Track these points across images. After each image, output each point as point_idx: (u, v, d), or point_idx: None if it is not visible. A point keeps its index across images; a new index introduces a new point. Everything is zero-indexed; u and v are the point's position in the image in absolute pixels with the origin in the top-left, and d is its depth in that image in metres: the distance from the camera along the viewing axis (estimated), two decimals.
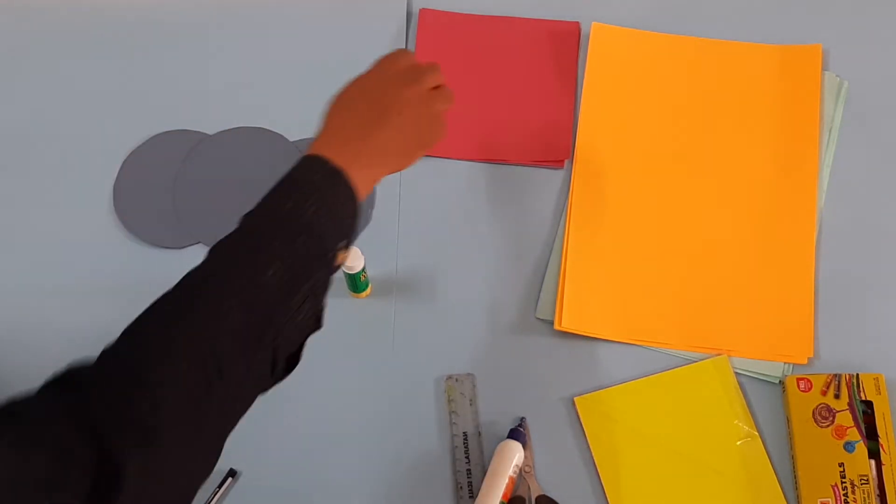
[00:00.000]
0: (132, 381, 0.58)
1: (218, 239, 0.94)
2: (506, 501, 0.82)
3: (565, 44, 1.01)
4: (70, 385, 0.58)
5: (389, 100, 0.72)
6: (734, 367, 0.88)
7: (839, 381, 0.85)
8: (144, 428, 0.57)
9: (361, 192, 0.69)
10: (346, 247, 0.69)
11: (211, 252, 0.65)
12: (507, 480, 0.82)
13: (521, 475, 0.85)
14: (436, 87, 0.75)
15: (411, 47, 1.01)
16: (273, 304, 0.63)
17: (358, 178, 0.68)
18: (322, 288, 0.67)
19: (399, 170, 0.74)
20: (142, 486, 0.56)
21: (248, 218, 0.67)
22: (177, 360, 0.60)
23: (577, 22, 1.02)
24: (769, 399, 0.87)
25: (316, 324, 0.68)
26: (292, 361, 0.68)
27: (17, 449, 0.53)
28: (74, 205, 0.96)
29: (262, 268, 0.63)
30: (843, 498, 0.81)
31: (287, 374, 0.68)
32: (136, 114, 1.00)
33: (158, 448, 0.57)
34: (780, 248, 0.92)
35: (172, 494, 0.60)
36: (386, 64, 0.75)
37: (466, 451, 0.86)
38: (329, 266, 0.68)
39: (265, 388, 0.67)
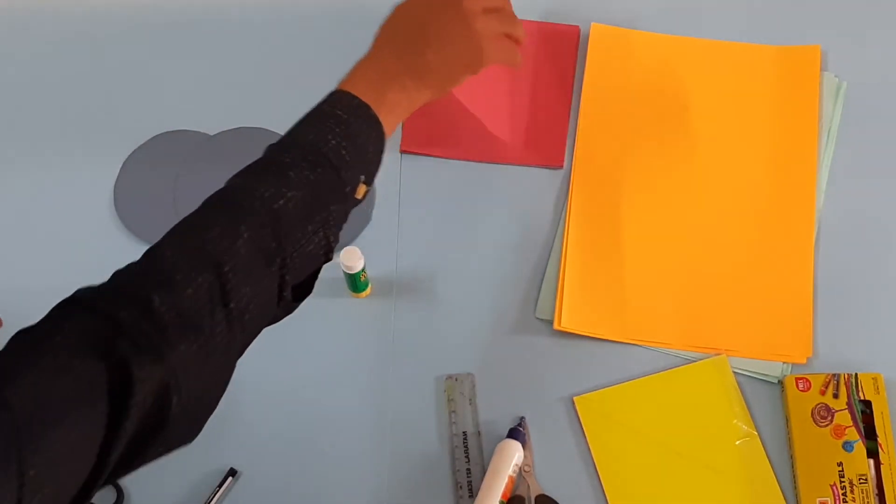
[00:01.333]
0: (135, 302, 0.58)
1: None
2: (505, 501, 0.83)
3: (565, 46, 1.02)
4: (76, 302, 0.59)
5: (434, 16, 0.73)
6: (733, 367, 0.88)
7: (838, 381, 0.85)
8: (151, 347, 0.57)
9: (395, 119, 0.71)
10: (367, 182, 0.70)
11: (234, 177, 0.67)
12: (506, 480, 0.82)
13: (521, 474, 0.85)
14: (495, 10, 0.76)
15: None
16: (285, 231, 0.64)
17: (393, 102, 0.70)
18: (336, 220, 0.68)
19: (442, 93, 0.75)
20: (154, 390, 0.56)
21: (272, 147, 0.68)
22: (183, 282, 0.60)
23: (577, 26, 1.02)
24: (768, 399, 0.87)
25: (325, 256, 0.68)
26: (301, 293, 0.68)
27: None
28: (75, 205, 0.96)
29: (278, 195, 0.64)
30: (841, 497, 0.81)
31: (295, 306, 0.68)
32: (136, 114, 1.00)
33: (166, 359, 0.57)
34: (779, 247, 0.92)
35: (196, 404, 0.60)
36: None
37: (466, 451, 0.86)
38: (347, 199, 0.68)
39: (272, 319, 0.67)
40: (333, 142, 0.67)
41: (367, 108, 0.69)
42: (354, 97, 0.70)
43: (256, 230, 0.63)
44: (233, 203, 0.65)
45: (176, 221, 0.94)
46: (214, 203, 0.66)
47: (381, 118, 0.71)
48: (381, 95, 0.70)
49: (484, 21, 0.76)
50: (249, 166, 0.67)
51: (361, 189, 0.70)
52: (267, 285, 0.64)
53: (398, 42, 0.73)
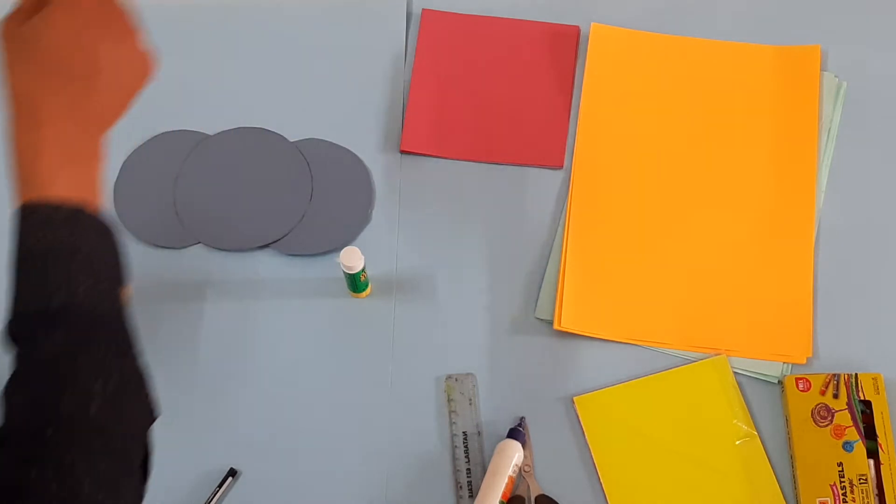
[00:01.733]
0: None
1: (217, 238, 0.95)
2: (505, 501, 0.83)
3: (565, 46, 1.02)
4: None
5: (94, 47, 0.56)
6: (733, 367, 0.88)
7: (838, 381, 0.85)
8: None
9: (98, 184, 0.56)
10: (125, 283, 0.58)
11: (16, 398, 0.52)
12: (506, 480, 0.82)
13: (521, 474, 0.85)
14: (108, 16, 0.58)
15: (412, 47, 1.01)
16: (114, 423, 0.54)
17: (89, 174, 0.55)
18: (135, 374, 0.56)
19: (112, 125, 0.60)
20: None
21: (27, 332, 0.53)
22: None
23: (577, 26, 1.02)
24: (768, 399, 0.87)
25: (151, 416, 0.58)
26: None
27: None
28: None
29: (86, 400, 0.52)
30: (841, 497, 0.82)
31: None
32: (136, 114, 0.99)
33: None
34: (779, 247, 0.92)
35: None
36: (55, 12, 0.57)
37: (466, 451, 0.86)
38: (130, 340, 0.56)
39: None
40: (81, 288, 0.52)
41: (81, 213, 0.54)
42: (59, 207, 0.53)
43: (92, 459, 0.52)
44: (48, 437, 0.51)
45: (175, 221, 0.95)
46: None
47: (93, 203, 0.56)
48: (82, 176, 0.54)
49: (129, 37, 0.62)
50: (27, 376, 0.52)
51: (125, 292, 0.57)
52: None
53: (52, 95, 0.54)
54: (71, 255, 0.53)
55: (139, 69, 0.61)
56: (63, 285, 0.53)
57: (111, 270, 0.56)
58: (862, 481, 0.82)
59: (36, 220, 0.54)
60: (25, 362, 0.53)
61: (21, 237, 0.54)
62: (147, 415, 0.57)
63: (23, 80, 0.55)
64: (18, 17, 0.57)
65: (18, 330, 0.53)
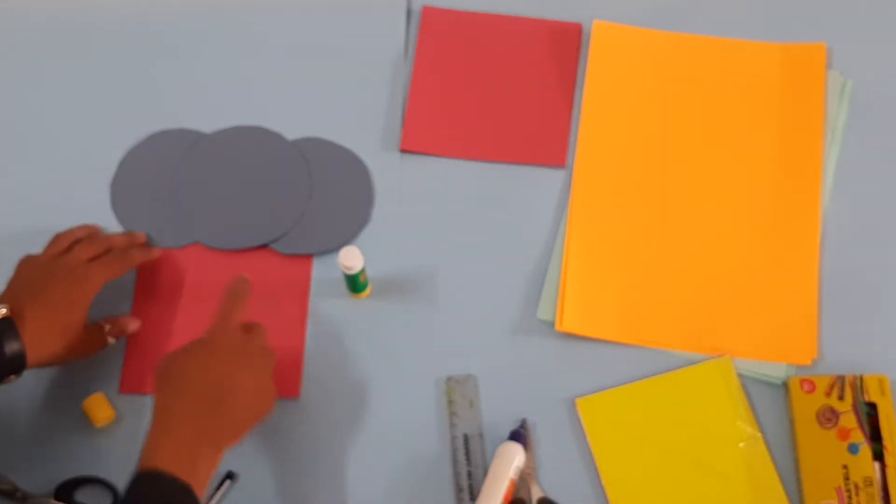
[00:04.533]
0: None
1: (216, 237, 0.94)
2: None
3: (567, 44, 1.01)
4: None
5: (227, 378, 0.73)
6: (737, 369, 0.87)
7: (843, 383, 0.85)
8: None
9: (203, 489, 0.70)
10: None
11: None
12: (508, 483, 0.82)
13: (522, 477, 0.84)
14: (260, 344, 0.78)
15: (412, 45, 1.01)
16: None
17: (203, 473, 0.70)
18: None
19: (233, 445, 0.75)
20: None
21: None
22: None
23: (580, 23, 1.01)
24: (772, 400, 0.87)
25: None
26: None
27: None
28: (72, 204, 0.95)
29: None
30: (847, 500, 0.81)
31: None
32: (133, 113, 0.99)
33: None
34: (784, 248, 0.92)
35: None
36: (217, 333, 0.77)
37: (467, 453, 0.85)
38: None
39: None
40: None
41: (189, 492, 0.68)
42: (175, 482, 0.67)
43: None
44: None
45: (173, 220, 0.94)
46: None
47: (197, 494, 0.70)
48: (193, 469, 0.69)
49: (266, 370, 0.78)
50: None
51: None
52: None
53: (190, 410, 0.71)
54: None
55: (263, 399, 0.77)
56: None
57: None
58: (867, 484, 0.81)
59: (158, 482, 0.68)
60: None
61: (137, 491, 0.68)
62: None
63: (164, 397, 0.73)
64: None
65: None
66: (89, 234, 0.90)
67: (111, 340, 0.85)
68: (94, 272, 0.84)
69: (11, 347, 0.77)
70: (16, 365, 0.78)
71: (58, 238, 0.89)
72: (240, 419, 0.75)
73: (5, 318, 0.77)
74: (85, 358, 0.86)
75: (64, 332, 0.81)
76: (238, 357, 0.76)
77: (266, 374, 0.78)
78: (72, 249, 0.87)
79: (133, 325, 0.87)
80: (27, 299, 0.80)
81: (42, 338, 0.79)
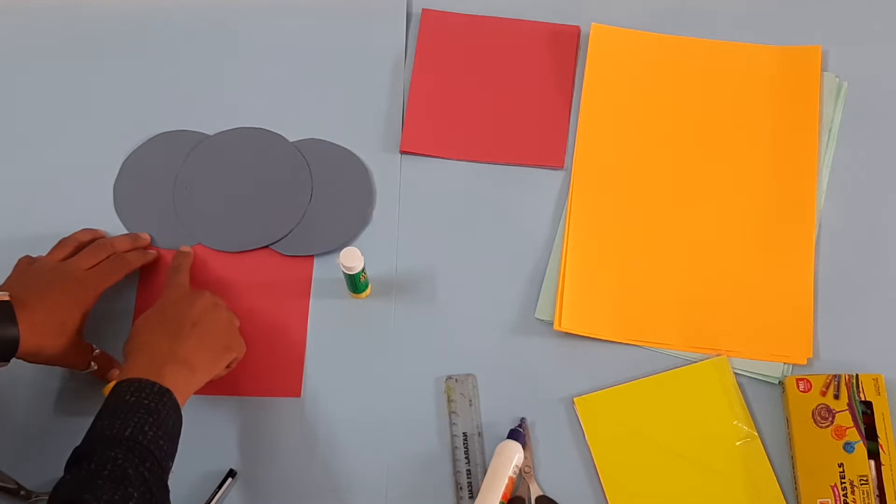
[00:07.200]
0: None
1: (218, 238, 0.95)
2: (505, 502, 0.82)
3: (565, 46, 1.01)
4: None
5: (182, 313, 0.82)
6: (734, 368, 0.88)
7: (839, 382, 0.85)
8: None
9: (181, 399, 0.77)
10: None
11: (67, 485, 0.70)
12: (506, 481, 0.82)
13: (521, 475, 0.85)
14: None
15: (412, 47, 1.01)
16: None
17: (175, 387, 0.76)
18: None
19: (213, 374, 0.81)
20: None
21: (95, 444, 0.72)
22: None
23: (578, 26, 1.02)
24: (769, 399, 0.87)
25: None
26: None
27: None
28: (75, 204, 0.95)
29: (126, 497, 0.69)
30: (842, 498, 0.81)
31: None
32: (136, 114, 1.00)
33: None
34: (780, 248, 0.92)
35: None
36: (171, 290, 0.86)
37: (466, 452, 0.86)
38: (166, 485, 0.74)
39: None
40: (150, 433, 0.72)
41: (169, 393, 0.75)
42: (154, 383, 0.75)
43: None
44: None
45: (175, 221, 0.95)
46: None
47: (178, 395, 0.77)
48: (161, 378, 0.76)
49: (222, 310, 0.84)
50: (80, 472, 0.70)
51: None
52: None
53: (157, 338, 0.80)
54: (151, 413, 0.73)
55: (225, 333, 0.84)
56: (137, 426, 0.72)
57: (173, 440, 0.75)
58: (863, 482, 0.82)
59: (136, 385, 0.75)
60: (88, 467, 0.70)
61: (119, 391, 0.74)
62: None
63: (131, 342, 0.81)
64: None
65: (93, 440, 0.72)
66: (93, 239, 0.91)
67: (93, 366, 0.86)
68: (92, 281, 0.86)
69: (8, 332, 0.78)
70: (8, 351, 0.78)
71: (62, 243, 0.90)
72: (207, 343, 0.81)
73: (5, 302, 0.78)
74: (72, 368, 0.86)
75: (60, 331, 0.82)
76: (195, 298, 0.84)
77: (223, 313, 0.85)
78: (74, 255, 0.88)
79: (113, 373, 0.88)
80: (27, 292, 0.81)
81: (37, 329, 0.80)
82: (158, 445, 0.73)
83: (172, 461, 0.75)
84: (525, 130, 0.98)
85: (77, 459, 0.71)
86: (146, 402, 0.74)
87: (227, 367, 0.84)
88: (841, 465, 0.82)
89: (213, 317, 0.83)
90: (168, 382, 0.76)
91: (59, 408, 0.88)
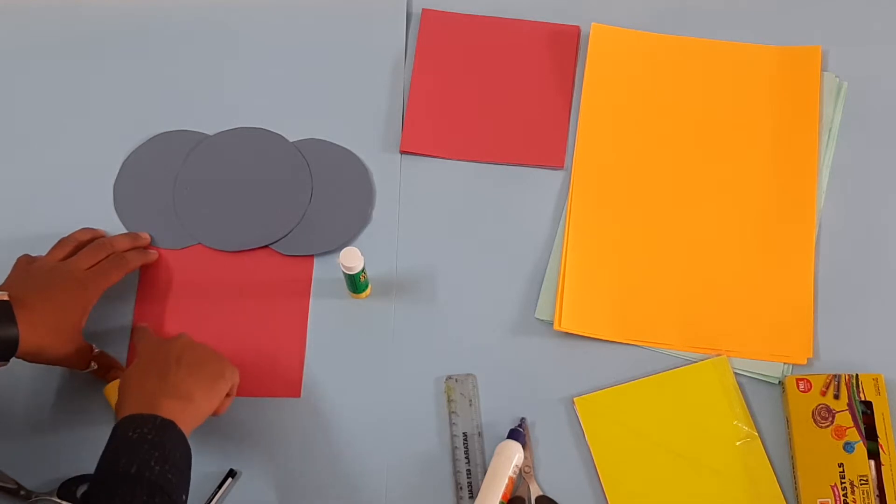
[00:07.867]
0: None
1: (217, 238, 0.95)
2: (505, 502, 0.82)
3: (565, 46, 1.01)
4: None
5: (164, 355, 0.81)
6: (734, 368, 0.88)
7: (839, 382, 0.85)
8: None
9: (185, 431, 0.76)
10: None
11: None
12: (506, 481, 0.82)
13: (521, 475, 0.85)
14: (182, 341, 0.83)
15: (412, 47, 1.01)
16: None
17: (176, 418, 0.76)
18: None
19: (213, 403, 0.80)
20: None
21: (100, 485, 0.72)
22: None
23: (578, 26, 1.02)
24: (769, 399, 0.87)
25: None
26: None
27: None
28: (75, 204, 0.96)
29: None
30: (842, 498, 0.81)
31: None
32: (136, 114, 1.00)
33: None
34: (780, 248, 0.92)
35: None
36: (144, 344, 0.86)
37: (466, 452, 0.86)
38: None
39: None
40: (157, 468, 0.72)
41: (172, 424, 0.75)
42: (156, 416, 0.75)
43: None
44: None
45: (175, 221, 0.95)
46: None
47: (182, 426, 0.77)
48: (159, 412, 0.76)
49: (194, 344, 0.83)
50: None
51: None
52: None
53: (147, 379, 0.79)
54: (156, 447, 0.73)
55: (210, 363, 0.82)
56: (143, 462, 0.72)
57: (183, 471, 0.75)
58: (863, 482, 0.82)
59: (138, 420, 0.75)
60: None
61: (120, 430, 0.74)
62: None
63: (122, 391, 0.80)
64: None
65: (99, 482, 0.73)
66: (93, 238, 0.91)
67: (93, 365, 0.86)
68: (92, 281, 0.86)
69: (7, 331, 0.78)
70: (8, 351, 0.78)
71: (62, 243, 0.90)
72: (196, 375, 0.80)
73: (5, 302, 0.78)
74: (72, 368, 0.86)
75: (59, 331, 0.82)
76: (171, 340, 0.83)
77: (197, 347, 0.83)
78: (74, 255, 0.88)
79: (113, 373, 0.88)
80: (26, 292, 0.81)
81: (37, 329, 0.80)
82: (167, 479, 0.72)
83: (186, 493, 0.75)
84: (525, 130, 0.98)
85: (85, 502, 0.72)
86: (149, 436, 0.74)
87: (228, 395, 0.83)
88: (841, 465, 0.82)
89: (194, 350, 0.82)
90: (167, 415, 0.75)
91: (59, 408, 0.88)
